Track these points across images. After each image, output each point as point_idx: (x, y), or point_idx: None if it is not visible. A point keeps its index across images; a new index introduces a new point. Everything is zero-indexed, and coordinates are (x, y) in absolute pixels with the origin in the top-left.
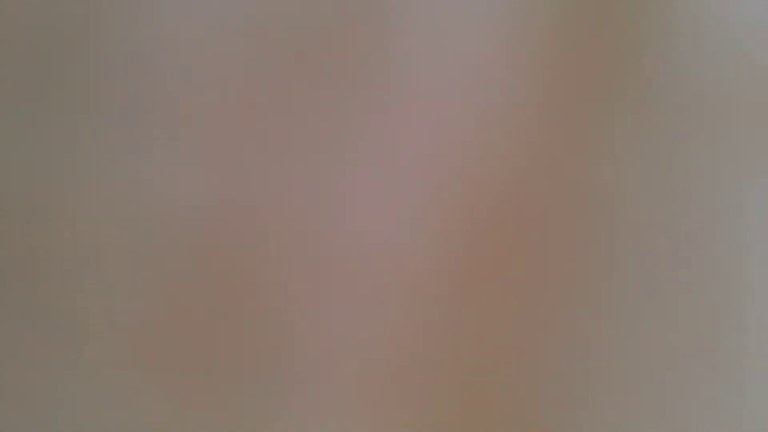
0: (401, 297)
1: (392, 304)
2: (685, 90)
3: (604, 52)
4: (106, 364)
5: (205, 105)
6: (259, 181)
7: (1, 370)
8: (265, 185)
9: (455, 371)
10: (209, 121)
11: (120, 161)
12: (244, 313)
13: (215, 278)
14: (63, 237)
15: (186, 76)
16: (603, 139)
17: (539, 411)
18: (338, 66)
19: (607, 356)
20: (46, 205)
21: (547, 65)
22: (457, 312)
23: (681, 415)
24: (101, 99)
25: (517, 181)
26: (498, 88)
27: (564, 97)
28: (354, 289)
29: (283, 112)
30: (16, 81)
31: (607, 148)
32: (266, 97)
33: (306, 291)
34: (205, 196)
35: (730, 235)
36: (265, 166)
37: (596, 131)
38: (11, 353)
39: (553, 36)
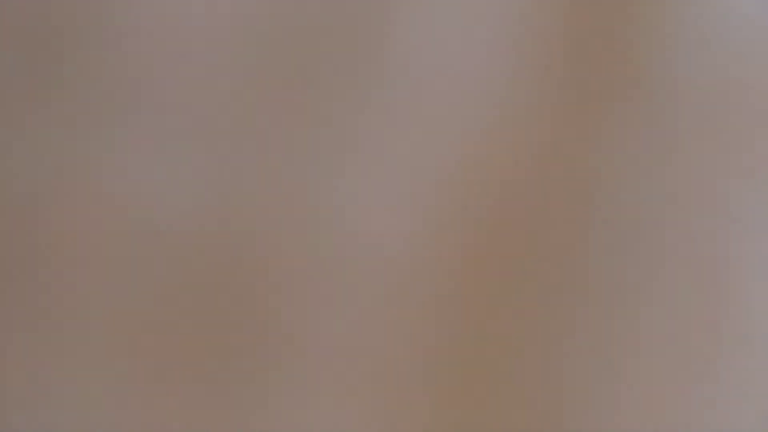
0: (403, 298)
1: (394, 305)
2: (687, 90)
3: (605, 51)
4: (106, 364)
5: (206, 105)
6: (259, 180)
7: (1, 370)
8: (264, 185)
9: (459, 371)
10: (209, 121)
11: (119, 161)
12: (245, 313)
13: (215, 278)
14: (62, 236)
15: (185, 76)
16: (605, 138)
17: (544, 410)
18: (339, 66)
19: (610, 353)
20: (44, 204)
21: (548, 65)
22: (461, 311)
23: (684, 411)
24: (100, 99)
25: (519, 180)
26: (499, 88)
27: (565, 97)
28: (355, 290)
29: (284, 112)
30: (14, 81)
31: (609, 148)
32: (266, 97)
33: (306, 291)
34: (205, 196)
35: (731, 233)
36: (265, 165)
37: (598, 130)
38: (11, 353)
39: (553, 36)
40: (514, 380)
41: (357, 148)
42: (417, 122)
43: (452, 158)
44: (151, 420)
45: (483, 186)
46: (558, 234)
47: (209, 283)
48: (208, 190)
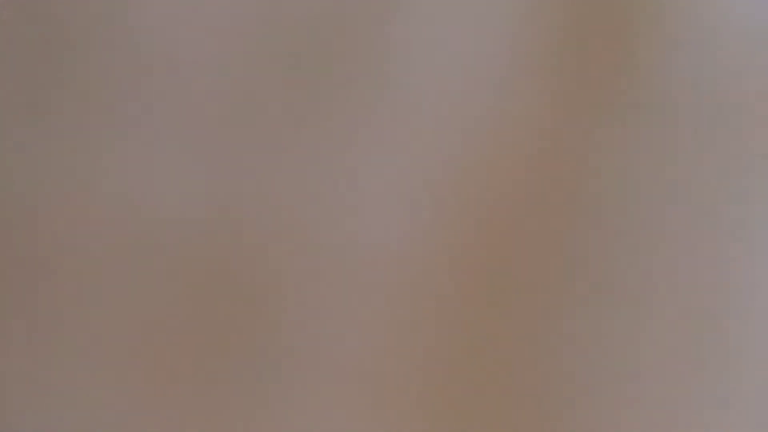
0: (403, 298)
1: (393, 305)
2: (687, 90)
3: (604, 51)
4: (106, 365)
5: (206, 106)
6: (259, 182)
7: (1, 370)
8: (265, 186)
9: (457, 370)
10: (209, 122)
11: (120, 162)
12: (244, 313)
13: (216, 279)
14: (63, 237)
15: (185, 77)
16: (604, 139)
17: (543, 411)
18: (339, 66)
19: (610, 353)
20: (45, 205)
21: (548, 65)
22: (461, 312)
23: (684, 412)
24: (101, 101)
25: (519, 181)
26: (499, 88)
27: (565, 98)
28: (355, 290)
29: (284, 113)
30: (16, 82)
31: (608, 149)
32: (267, 98)
33: (307, 292)
34: (206, 196)
35: (732, 235)
36: (266, 167)
37: (597, 131)
38: (11, 353)
39: (553, 37)
40: (514, 381)
41: (356, 149)
42: (417, 123)
43: (452, 159)
44: (151, 420)
45: (483, 186)
46: (558, 234)
47: (210, 284)
48: (208, 191)
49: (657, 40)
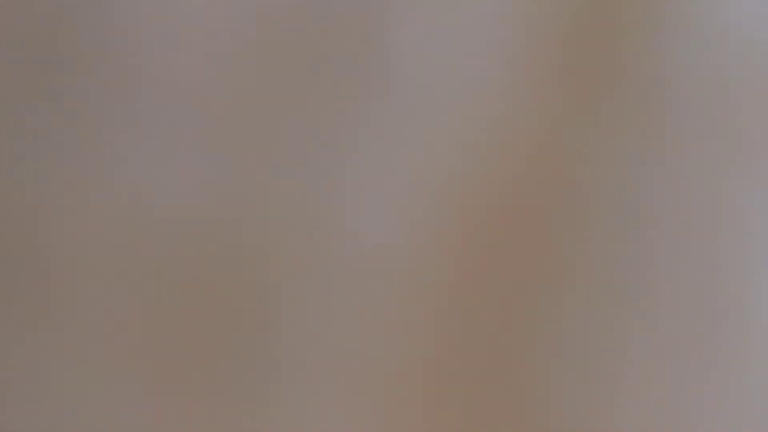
0: (401, 297)
1: (392, 304)
2: (687, 90)
3: (603, 51)
4: (107, 365)
5: (206, 108)
6: (260, 183)
7: (1, 370)
8: (266, 188)
9: (455, 370)
10: (209, 123)
11: (119, 162)
12: (244, 313)
13: (217, 279)
14: (63, 238)
15: (188, 78)
16: (603, 139)
17: (541, 410)
18: (339, 69)
19: (611, 355)
20: (46, 206)
21: (547, 65)
22: (460, 314)
23: (682, 412)
24: (100, 101)
25: (516, 181)
26: (497, 89)
27: (563, 98)
28: (356, 292)
29: (284, 115)
30: (17, 83)
31: (607, 148)
32: (267, 100)
33: (307, 293)
34: (204, 196)
35: (731, 234)
36: (267, 168)
37: (596, 131)
38: (12, 353)
39: (552, 36)
40: (515, 380)
41: (357, 150)
42: (417, 125)
43: (452, 159)
44: (152, 420)
45: (483, 186)
46: (557, 234)
47: (211, 284)
48: (209, 192)
49: (656, 41)
